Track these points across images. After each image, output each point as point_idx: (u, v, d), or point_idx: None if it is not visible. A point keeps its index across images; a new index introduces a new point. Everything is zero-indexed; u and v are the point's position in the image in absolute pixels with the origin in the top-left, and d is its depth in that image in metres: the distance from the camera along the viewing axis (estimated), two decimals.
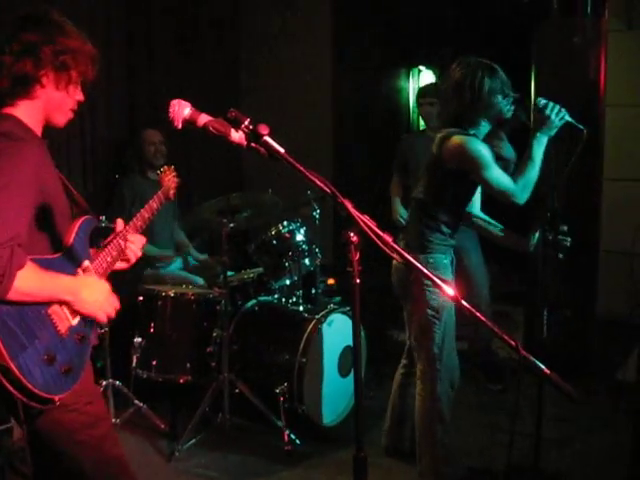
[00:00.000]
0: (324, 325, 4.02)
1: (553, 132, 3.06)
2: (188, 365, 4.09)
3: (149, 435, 3.98)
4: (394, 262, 3.34)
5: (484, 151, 3.08)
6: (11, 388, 1.82)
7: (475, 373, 4.72)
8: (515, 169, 3.20)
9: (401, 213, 4.80)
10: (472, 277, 4.51)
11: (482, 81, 3.08)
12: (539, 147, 3.07)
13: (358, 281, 1.59)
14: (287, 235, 4.34)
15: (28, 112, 2.03)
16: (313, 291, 4.75)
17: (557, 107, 3.02)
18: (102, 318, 2.07)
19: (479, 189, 3.37)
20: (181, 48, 5.91)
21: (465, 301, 1.66)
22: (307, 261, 4.42)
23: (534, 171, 3.09)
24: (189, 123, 1.75)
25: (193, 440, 3.87)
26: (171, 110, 1.74)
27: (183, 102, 1.75)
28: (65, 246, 2.07)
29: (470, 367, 4.71)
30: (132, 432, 3.96)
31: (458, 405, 4.32)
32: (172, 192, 2.70)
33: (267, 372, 4.08)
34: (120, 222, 2.34)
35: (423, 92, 4.94)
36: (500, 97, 3.12)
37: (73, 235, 2.09)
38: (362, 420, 1.75)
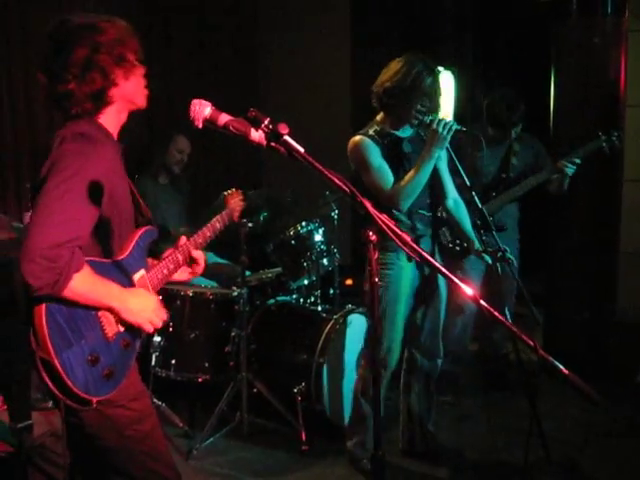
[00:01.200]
0: (343, 325, 4.03)
1: (445, 144, 3.15)
2: (206, 364, 4.11)
3: (167, 433, 3.98)
4: None
5: (372, 153, 3.23)
6: (50, 383, 1.84)
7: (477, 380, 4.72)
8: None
9: None
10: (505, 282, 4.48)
11: (424, 77, 3.18)
12: (429, 161, 3.17)
13: (377, 280, 1.60)
14: (306, 235, 4.35)
15: (110, 116, 2.05)
16: (331, 291, 4.76)
17: (443, 121, 3.11)
18: (148, 329, 2.07)
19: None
20: (200, 48, 5.95)
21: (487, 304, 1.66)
22: (325, 261, 4.43)
23: (417, 181, 3.18)
24: (210, 123, 1.76)
25: (211, 439, 3.89)
26: (192, 110, 1.75)
27: (204, 102, 1.77)
28: (124, 253, 2.08)
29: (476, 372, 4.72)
30: None
31: (469, 405, 4.36)
32: (236, 215, 2.73)
33: (285, 372, 4.09)
34: (183, 238, 2.36)
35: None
36: (420, 102, 3.20)
37: (133, 243, 2.11)
38: (379, 419, 1.76)
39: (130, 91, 2.06)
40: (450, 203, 3.49)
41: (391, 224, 1.57)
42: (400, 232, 1.58)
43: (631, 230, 4.89)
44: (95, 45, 1.96)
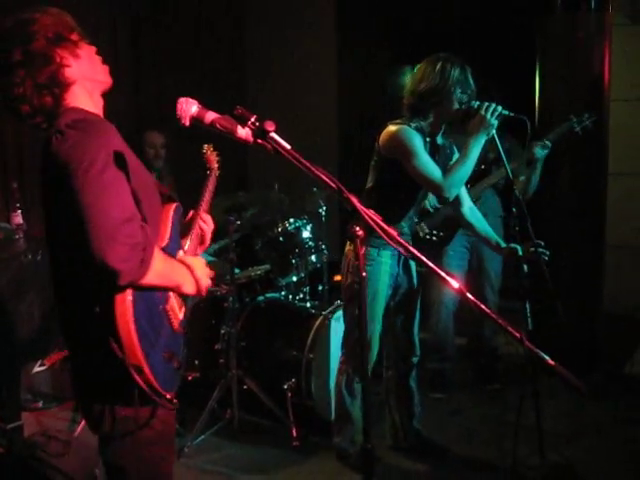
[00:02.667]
0: (331, 321, 4.05)
1: (492, 131, 3.11)
2: (196, 362, 4.13)
3: None
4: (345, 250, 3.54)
5: (416, 140, 3.16)
6: (144, 386, 1.76)
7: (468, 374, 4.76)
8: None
9: None
10: (486, 278, 4.51)
11: (450, 70, 3.17)
12: (476, 147, 3.13)
13: (364, 274, 1.62)
14: (293, 232, 4.37)
15: (83, 100, 1.92)
16: (320, 287, 4.78)
17: (491, 105, 3.08)
18: (204, 292, 1.99)
19: None
20: (187, 48, 5.95)
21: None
22: (314, 258, 4.45)
23: (466, 169, 3.15)
24: (196, 120, 1.77)
25: (202, 436, 3.90)
26: (179, 108, 1.76)
27: (190, 100, 1.78)
28: (164, 239, 1.96)
29: (466, 366, 4.75)
30: None
31: (461, 399, 4.39)
32: (216, 168, 2.61)
33: (275, 368, 4.11)
34: (191, 212, 2.30)
35: None
36: (459, 91, 3.17)
37: (169, 227, 2.00)
38: (369, 412, 1.78)
39: (87, 69, 1.93)
40: (466, 210, 3.46)
41: (378, 219, 1.59)
42: (387, 227, 1.59)
43: (616, 223, 4.94)
44: (28, 37, 1.84)
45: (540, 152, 4.10)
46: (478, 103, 3.12)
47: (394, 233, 1.59)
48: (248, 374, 4.07)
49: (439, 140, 3.35)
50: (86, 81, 1.93)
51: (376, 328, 3.42)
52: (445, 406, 4.31)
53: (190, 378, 4.11)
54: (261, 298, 4.42)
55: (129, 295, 1.70)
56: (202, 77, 6.03)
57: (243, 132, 1.76)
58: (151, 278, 1.73)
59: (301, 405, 3.95)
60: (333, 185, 1.64)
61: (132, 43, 5.45)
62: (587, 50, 4.59)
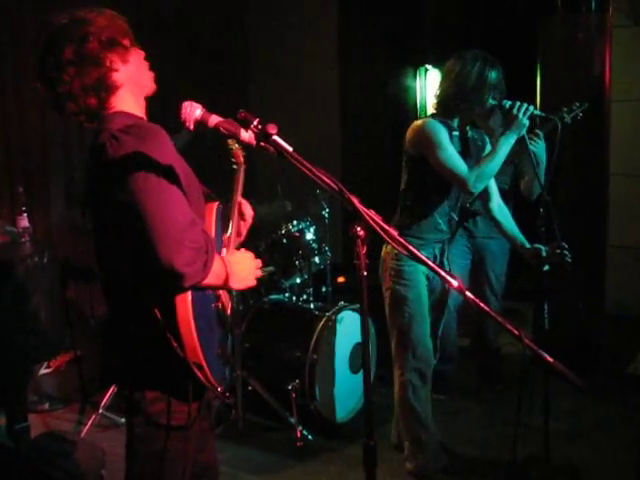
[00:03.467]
0: (335, 322, 4.07)
1: (523, 130, 3.09)
2: None
3: None
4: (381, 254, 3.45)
5: (441, 132, 3.13)
6: (204, 380, 1.84)
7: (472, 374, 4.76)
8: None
9: None
10: (486, 280, 4.54)
11: (487, 72, 3.11)
12: (506, 145, 3.10)
13: (365, 273, 1.65)
14: (297, 234, 4.39)
15: (129, 104, 1.98)
16: (323, 289, 4.80)
17: (524, 105, 3.06)
18: (251, 284, 2.04)
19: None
20: (190, 51, 5.98)
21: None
22: (317, 259, 4.47)
23: (493, 165, 3.12)
24: (200, 124, 1.80)
25: None
26: (183, 111, 1.79)
27: (195, 104, 1.81)
28: (210, 235, 1.99)
29: (470, 366, 4.76)
30: None
31: (465, 398, 4.40)
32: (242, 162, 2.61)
33: (279, 369, 4.13)
34: (233, 209, 2.29)
35: None
36: (492, 95, 3.14)
37: (214, 225, 2.06)
38: (371, 408, 1.80)
39: (134, 74, 1.98)
40: (494, 206, 3.44)
41: (378, 219, 1.62)
42: (387, 227, 1.62)
43: (618, 224, 4.95)
44: (82, 37, 1.89)
45: (535, 145, 4.01)
46: (510, 102, 3.09)
47: (394, 233, 1.62)
48: (252, 375, 4.09)
49: (469, 133, 3.33)
50: (133, 85, 1.99)
51: (427, 328, 3.39)
52: (447, 407, 4.32)
53: None
54: (265, 300, 4.44)
55: (189, 296, 1.75)
56: (205, 80, 6.05)
57: (246, 135, 1.79)
58: (210, 279, 1.79)
59: (305, 406, 3.97)
60: (334, 186, 1.66)
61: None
62: (588, 51, 4.60)
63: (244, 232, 2.32)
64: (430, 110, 3.41)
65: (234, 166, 2.44)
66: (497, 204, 3.46)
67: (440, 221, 3.34)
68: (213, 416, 2.24)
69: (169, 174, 1.77)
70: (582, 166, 4.64)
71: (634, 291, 5.05)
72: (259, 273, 2.07)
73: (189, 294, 1.75)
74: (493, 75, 3.11)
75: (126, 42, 1.97)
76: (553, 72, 4.70)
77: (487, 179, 3.17)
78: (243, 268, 1.99)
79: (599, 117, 4.65)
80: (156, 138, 1.83)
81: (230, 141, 2.48)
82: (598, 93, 4.64)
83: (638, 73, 5.21)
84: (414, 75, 7.22)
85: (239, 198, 2.27)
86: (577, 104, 3.99)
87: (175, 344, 1.77)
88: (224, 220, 2.20)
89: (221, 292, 1.98)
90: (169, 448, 1.91)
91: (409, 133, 3.26)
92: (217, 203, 2.12)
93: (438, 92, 3.27)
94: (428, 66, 7.15)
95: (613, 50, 4.65)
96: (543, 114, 3.12)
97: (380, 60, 6.57)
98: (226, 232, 2.17)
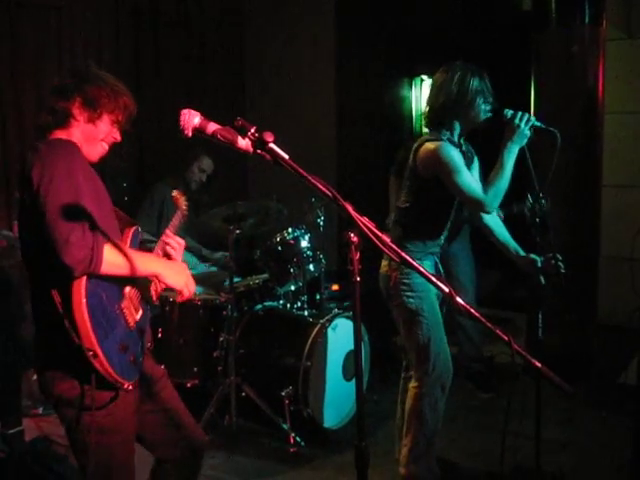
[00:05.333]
0: (328, 329, 4.09)
1: (524, 141, 3.08)
2: (195, 369, 4.17)
3: None
4: (380, 270, 3.43)
5: (455, 156, 3.11)
6: (100, 369, 2.05)
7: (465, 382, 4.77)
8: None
9: None
10: (457, 282, 4.57)
11: (469, 80, 3.12)
12: (510, 157, 3.08)
13: (358, 279, 1.68)
14: (292, 241, 4.41)
15: (67, 137, 2.26)
16: (318, 296, 4.82)
17: (526, 115, 3.05)
18: (187, 293, 2.34)
19: None
20: (187, 61, 6.03)
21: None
22: (312, 267, 4.48)
23: (504, 180, 3.10)
24: (199, 131, 1.83)
25: None
26: (182, 119, 1.83)
27: (193, 111, 1.84)
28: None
29: (462, 374, 4.78)
30: None
31: (458, 406, 4.42)
32: (184, 214, 2.80)
33: (272, 376, 4.15)
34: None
35: None
36: (481, 100, 3.15)
37: (128, 242, 2.34)
38: (363, 412, 1.82)
39: (86, 133, 2.29)
40: (487, 215, 3.41)
41: (372, 226, 1.65)
42: (380, 234, 1.65)
43: (610, 234, 4.99)
44: (81, 85, 2.27)
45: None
46: (512, 112, 3.08)
47: (387, 239, 1.65)
48: (246, 381, 4.12)
49: (463, 147, 3.33)
50: (81, 137, 2.29)
51: (444, 337, 3.35)
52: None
53: (189, 385, 4.16)
54: (259, 306, 4.47)
55: (83, 286, 2.03)
56: (201, 89, 6.10)
57: (243, 143, 1.82)
58: (109, 269, 2.06)
59: (298, 412, 3.99)
60: (329, 193, 1.70)
61: (134, 57, 5.53)
62: (581, 63, 4.65)
63: (175, 257, 2.51)
64: (423, 125, 3.41)
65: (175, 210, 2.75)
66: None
67: (442, 237, 3.37)
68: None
69: (75, 177, 2.08)
70: (575, 177, 4.68)
71: (626, 301, 5.07)
72: (192, 289, 2.36)
73: (83, 286, 2.02)
74: (475, 82, 3.12)
75: (106, 117, 2.31)
76: (547, 84, 4.74)
77: (502, 195, 3.14)
78: (177, 267, 2.34)
79: (592, 129, 4.70)
80: (76, 154, 2.17)
81: (175, 191, 2.83)
82: (591, 105, 4.69)
83: (631, 86, 5.27)
84: (410, 85, 7.30)
85: (168, 231, 2.54)
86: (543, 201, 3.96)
87: (71, 329, 2.02)
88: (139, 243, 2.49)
89: (127, 295, 2.25)
90: (97, 425, 2.15)
91: (423, 156, 3.19)
92: (134, 227, 2.43)
93: (427, 106, 3.29)
94: (424, 77, 7.22)
95: (606, 63, 4.70)
96: (543, 125, 3.12)
97: (376, 70, 6.62)
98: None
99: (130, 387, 2.18)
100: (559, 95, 4.66)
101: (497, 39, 5.98)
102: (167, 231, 2.55)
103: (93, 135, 2.31)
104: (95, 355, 2.03)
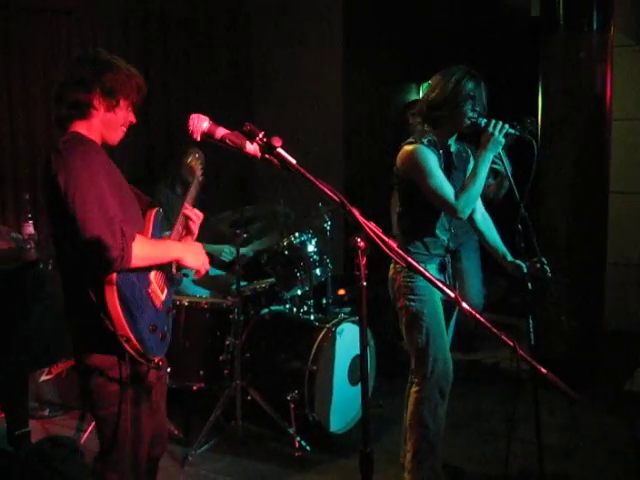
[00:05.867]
0: (335, 334, 4.10)
1: (499, 148, 3.10)
2: (201, 372, 4.18)
3: None
4: (388, 274, 3.43)
5: (430, 160, 3.14)
6: (132, 352, 2.28)
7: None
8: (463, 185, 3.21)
9: None
10: (464, 284, 4.57)
11: (464, 82, 3.13)
12: (484, 165, 3.11)
13: (365, 284, 1.69)
14: (299, 246, 4.41)
15: (88, 129, 2.38)
16: (324, 301, 4.83)
17: (499, 123, 3.06)
18: (203, 271, 2.54)
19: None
20: (196, 65, 6.06)
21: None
22: (318, 271, 4.49)
23: (476, 188, 3.12)
24: (207, 136, 1.85)
25: (206, 445, 3.96)
26: (191, 123, 1.84)
27: (202, 116, 1.86)
28: (147, 233, 2.48)
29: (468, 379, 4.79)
30: None
31: (463, 413, 4.42)
32: (200, 174, 2.95)
33: (278, 379, 4.16)
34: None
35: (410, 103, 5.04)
36: (469, 105, 3.14)
37: (151, 225, 2.52)
38: (368, 416, 1.83)
39: (106, 122, 2.39)
40: (478, 217, 3.43)
41: (378, 231, 1.66)
42: (387, 239, 1.66)
43: (617, 241, 4.99)
44: (98, 75, 2.34)
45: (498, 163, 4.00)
46: (486, 120, 3.10)
47: (394, 244, 1.66)
48: (252, 385, 4.12)
49: (452, 148, 3.33)
50: (100, 126, 2.39)
51: (445, 342, 3.35)
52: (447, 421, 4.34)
53: (195, 388, 4.16)
54: (266, 310, 4.47)
55: (114, 282, 2.20)
56: (210, 93, 6.12)
57: (252, 147, 1.84)
58: (138, 263, 2.23)
59: (303, 416, 4.00)
60: (336, 198, 1.71)
61: (142, 61, 5.55)
62: (589, 70, 4.64)
63: (195, 229, 2.67)
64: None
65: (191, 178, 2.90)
66: (481, 215, 3.46)
67: (443, 237, 3.35)
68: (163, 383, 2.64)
69: (96, 177, 2.21)
70: (582, 184, 4.68)
71: (632, 308, 5.08)
72: (207, 266, 2.56)
73: (114, 280, 2.19)
74: (469, 85, 3.14)
75: (122, 102, 2.40)
76: (554, 91, 4.74)
77: (474, 201, 3.18)
78: (194, 249, 2.52)
79: (600, 135, 4.70)
80: (90, 150, 2.29)
81: (190, 158, 3.00)
82: (599, 112, 4.69)
83: (639, 92, 5.26)
84: (418, 91, 7.29)
85: (187, 204, 2.68)
86: (529, 120, 3.96)
87: (106, 320, 2.22)
88: (164, 223, 2.67)
89: (152, 279, 2.41)
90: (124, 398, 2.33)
91: (399, 158, 3.26)
92: (156, 209, 2.59)
93: (422, 104, 3.31)
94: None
95: (614, 69, 4.70)
96: (517, 132, 3.12)
97: (384, 75, 6.63)
98: (168, 232, 2.63)
99: (160, 362, 2.44)
100: (567, 101, 4.66)
101: (505, 45, 5.99)
102: (186, 204, 2.67)
103: (113, 122, 2.41)
104: (128, 339, 2.25)
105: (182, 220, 2.64)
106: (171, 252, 2.44)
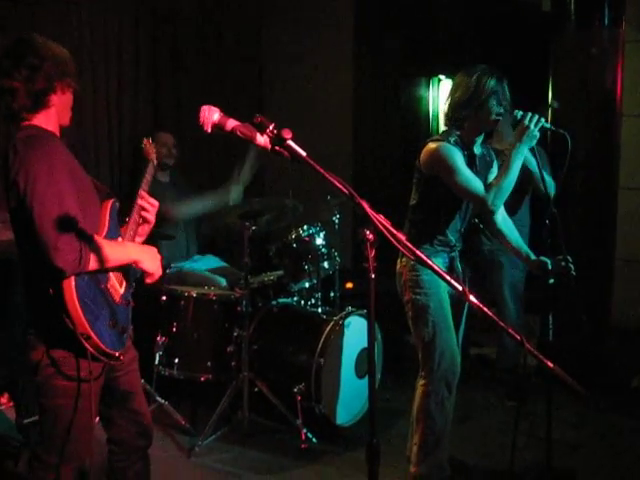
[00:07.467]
0: (342, 327, 4.11)
1: (534, 142, 3.10)
2: (209, 364, 4.20)
3: (170, 431, 4.09)
4: (396, 269, 3.44)
5: (455, 156, 3.15)
6: (92, 350, 2.25)
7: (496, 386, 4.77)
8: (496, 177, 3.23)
9: None
10: (499, 293, 4.60)
11: (486, 79, 3.14)
12: (518, 157, 3.11)
13: (373, 276, 1.70)
14: (307, 239, 4.42)
15: (46, 120, 2.37)
16: (332, 294, 4.83)
17: (535, 116, 3.06)
18: (157, 276, 2.52)
19: None
20: (206, 56, 6.05)
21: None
22: (326, 264, 4.49)
23: (509, 181, 3.13)
24: (218, 127, 1.85)
25: (213, 436, 3.98)
26: (201, 115, 1.84)
27: (213, 107, 1.86)
28: (104, 229, 2.44)
29: (492, 377, 4.79)
30: (154, 427, 4.05)
31: (470, 406, 4.43)
32: (154, 159, 2.91)
33: (285, 372, 4.17)
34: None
35: None
36: (495, 101, 3.16)
37: (107, 218, 2.48)
38: (375, 408, 1.84)
39: (62, 104, 2.40)
40: (499, 219, 3.41)
41: (387, 224, 1.66)
42: (395, 232, 1.67)
43: (626, 237, 4.97)
44: (45, 56, 2.32)
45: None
46: (522, 113, 3.09)
47: (402, 237, 1.66)
48: (259, 377, 4.14)
49: (476, 150, 3.33)
50: (57, 111, 2.40)
51: (452, 336, 3.35)
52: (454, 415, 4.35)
53: (202, 379, 4.19)
54: (274, 303, 4.49)
55: (73, 282, 2.19)
56: (219, 84, 6.12)
57: (262, 139, 1.84)
58: (94, 265, 2.23)
59: (310, 409, 4.01)
60: (345, 191, 1.71)
61: (152, 52, 5.55)
62: (600, 65, 4.64)
63: (151, 219, 2.64)
64: (442, 124, 3.43)
65: (145, 162, 2.85)
66: (501, 216, 3.44)
67: (451, 237, 3.37)
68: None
69: (55, 172, 2.20)
70: (591, 179, 4.67)
71: None
72: (160, 270, 2.53)
73: (72, 280, 2.18)
74: (492, 82, 3.14)
75: (70, 80, 2.40)
76: (565, 86, 4.73)
77: (505, 194, 3.17)
78: (149, 252, 2.50)
79: (610, 131, 4.68)
80: (51, 144, 2.28)
81: (145, 140, 2.96)
82: (609, 107, 4.68)
83: None
84: (427, 85, 7.27)
85: (142, 192, 2.63)
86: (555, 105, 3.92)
87: (66, 318, 2.20)
88: (120, 214, 2.61)
89: (111, 274, 2.40)
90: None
91: (424, 156, 3.25)
92: (112, 200, 2.54)
93: (446, 106, 3.32)
94: (441, 76, 7.19)
95: (625, 65, 4.68)
96: (553, 127, 3.13)
97: (393, 69, 6.61)
98: (126, 224, 2.60)
99: (122, 356, 2.40)
100: (577, 97, 4.65)
101: (515, 40, 5.96)
102: (141, 192, 2.63)
103: (66, 104, 2.43)
104: (88, 337, 2.23)
105: (138, 209, 2.62)
106: (129, 254, 2.44)
